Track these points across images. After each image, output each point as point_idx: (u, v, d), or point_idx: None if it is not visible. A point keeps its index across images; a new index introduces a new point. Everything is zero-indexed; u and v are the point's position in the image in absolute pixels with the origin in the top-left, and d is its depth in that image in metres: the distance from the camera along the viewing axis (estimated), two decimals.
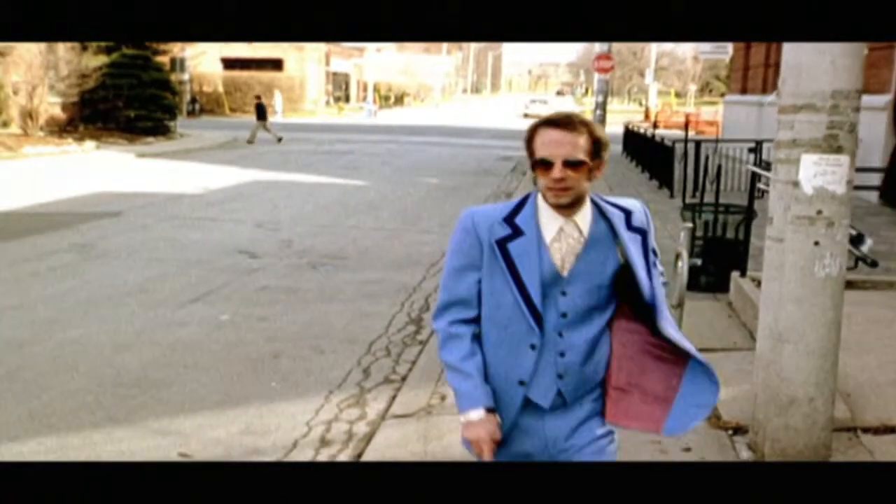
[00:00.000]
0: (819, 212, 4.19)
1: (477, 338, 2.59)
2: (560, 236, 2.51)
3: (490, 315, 2.56)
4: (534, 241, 2.49)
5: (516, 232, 2.51)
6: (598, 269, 2.51)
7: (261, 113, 31.51)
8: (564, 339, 2.53)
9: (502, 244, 2.50)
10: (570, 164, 2.40)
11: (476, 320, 2.59)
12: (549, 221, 2.51)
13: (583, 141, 2.42)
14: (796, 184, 4.21)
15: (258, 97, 33.98)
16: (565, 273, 2.50)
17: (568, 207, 2.48)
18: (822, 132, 4.13)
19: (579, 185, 2.44)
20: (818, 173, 4.15)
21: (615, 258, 2.53)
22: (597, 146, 2.45)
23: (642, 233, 2.56)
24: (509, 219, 2.53)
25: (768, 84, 23.70)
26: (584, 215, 2.52)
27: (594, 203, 2.55)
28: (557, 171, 2.40)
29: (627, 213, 2.57)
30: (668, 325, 2.54)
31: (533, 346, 2.51)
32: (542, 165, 2.44)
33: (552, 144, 2.41)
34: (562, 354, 2.53)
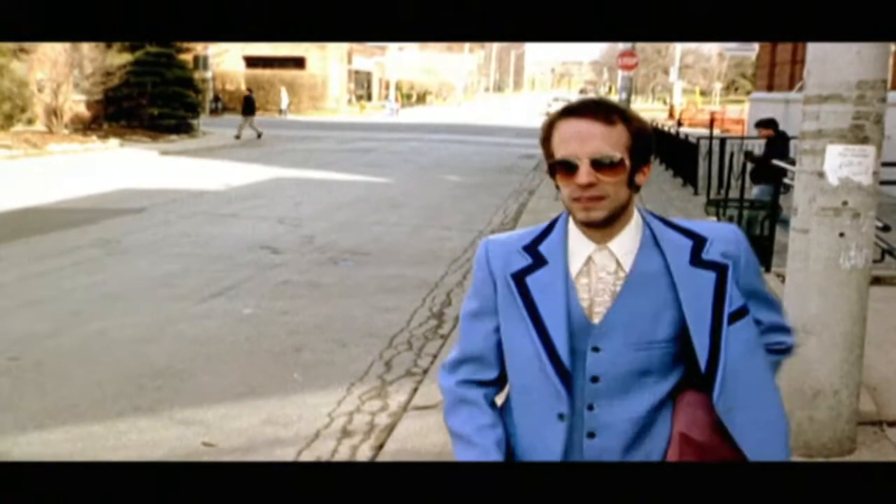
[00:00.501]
0: (844, 203, 4.15)
1: (495, 404, 2.00)
2: (588, 269, 1.86)
3: (509, 372, 1.95)
4: (560, 272, 1.86)
5: (538, 262, 1.89)
6: (646, 320, 1.82)
7: (248, 108, 31.11)
8: (596, 415, 1.84)
9: (520, 277, 1.88)
10: (602, 165, 1.77)
11: (496, 382, 1.99)
12: (578, 248, 1.88)
13: (618, 133, 1.79)
14: (821, 174, 4.18)
15: (249, 90, 33.40)
16: (596, 320, 1.84)
17: (602, 227, 1.83)
18: (848, 122, 4.10)
19: (616, 195, 1.79)
20: (844, 164, 4.12)
21: (677, 305, 1.81)
22: (639, 141, 1.82)
23: (719, 268, 1.82)
24: (531, 246, 1.91)
25: (795, 81, 23.54)
26: (626, 240, 1.85)
27: (647, 225, 1.88)
28: (584, 175, 1.76)
29: (699, 241, 1.85)
30: (740, 417, 1.78)
31: (561, 416, 1.84)
32: (563, 169, 1.80)
33: (576, 139, 1.78)
34: (591, 435, 1.84)
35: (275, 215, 13.30)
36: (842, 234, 4.17)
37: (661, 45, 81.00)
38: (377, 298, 8.25)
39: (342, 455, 4.76)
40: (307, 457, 4.72)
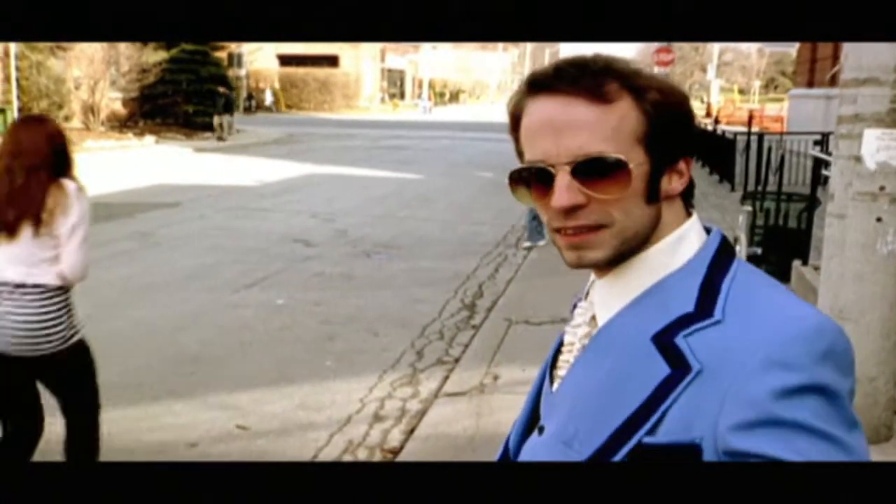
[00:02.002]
0: (882, 188, 4.10)
1: None
2: (576, 321, 1.25)
3: None
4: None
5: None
6: (589, 412, 1.11)
7: (227, 106, 28.85)
8: None
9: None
10: (591, 174, 1.09)
11: None
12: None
13: (620, 115, 1.10)
14: (858, 159, 4.13)
15: (225, 89, 29.77)
16: (553, 388, 1.24)
17: (605, 269, 1.17)
18: (886, 106, 4.05)
19: (626, 219, 1.11)
20: (881, 148, 4.07)
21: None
22: (663, 122, 1.11)
23: (676, 365, 1.03)
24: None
25: (836, 79, 23.20)
26: (623, 280, 1.15)
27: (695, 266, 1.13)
28: (562, 193, 1.09)
29: (699, 311, 1.06)
30: None
31: None
32: (534, 180, 1.14)
33: (548, 131, 1.11)
34: None
35: (308, 210, 13.38)
36: (879, 220, 4.13)
37: (698, 42, 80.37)
38: (409, 290, 8.27)
39: (374, 438, 4.79)
40: (339, 440, 4.75)
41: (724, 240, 1.17)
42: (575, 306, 1.28)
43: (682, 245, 1.14)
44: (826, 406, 0.98)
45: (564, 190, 1.08)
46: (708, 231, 1.18)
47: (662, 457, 1.00)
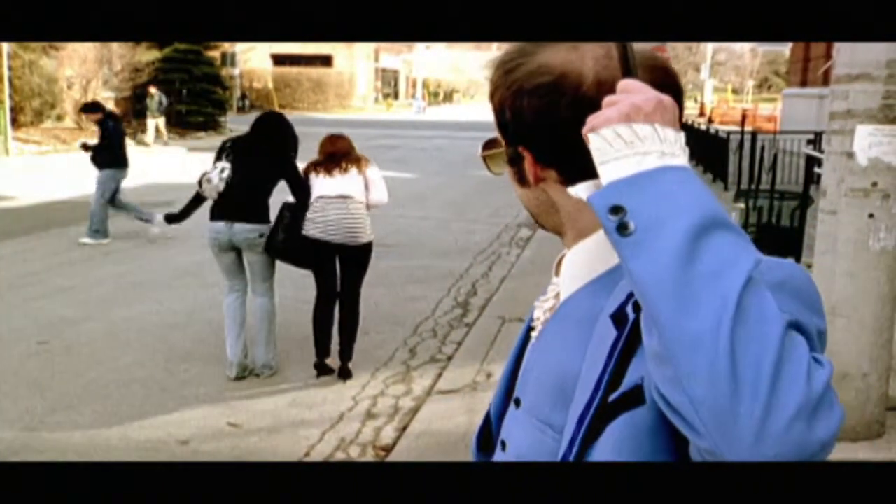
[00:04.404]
0: (874, 184, 4.11)
1: None
2: (546, 296, 1.28)
3: None
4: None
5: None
6: (548, 387, 1.15)
7: (160, 107, 25.32)
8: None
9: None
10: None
11: None
12: None
13: (497, 100, 1.17)
14: (850, 155, 4.13)
15: (152, 84, 25.96)
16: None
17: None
18: (878, 102, 4.05)
19: (527, 202, 1.22)
20: (873, 144, 4.07)
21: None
22: (520, 103, 1.13)
23: (621, 324, 1.04)
24: None
25: (829, 76, 23.24)
26: (592, 263, 1.16)
27: None
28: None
29: None
30: None
31: None
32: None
33: None
34: None
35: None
36: (871, 216, 4.13)
37: (692, 42, 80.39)
38: (403, 288, 8.26)
39: (367, 436, 4.78)
40: (332, 437, 4.75)
41: None
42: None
43: None
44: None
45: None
46: None
47: (619, 408, 1.00)
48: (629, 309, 1.02)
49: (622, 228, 0.89)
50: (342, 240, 5.65)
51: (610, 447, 1.00)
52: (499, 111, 1.15)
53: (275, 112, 6.75)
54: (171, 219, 6.80)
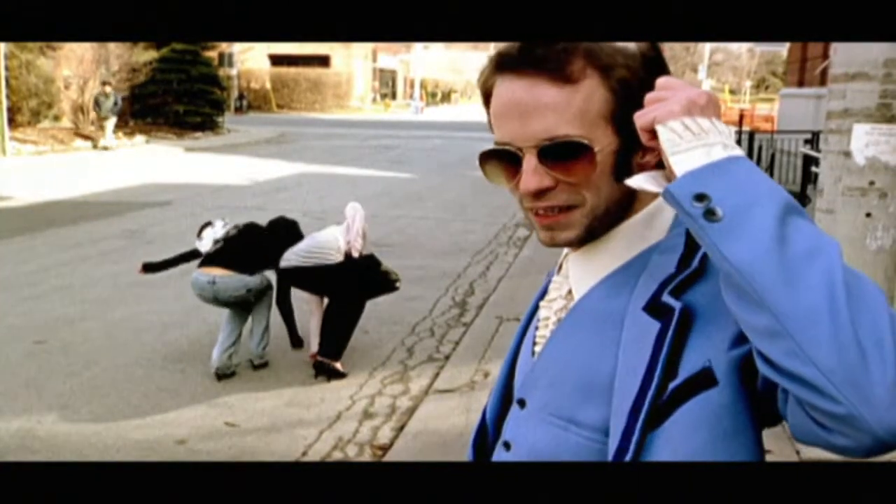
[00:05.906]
0: (871, 182, 4.11)
1: None
2: (551, 295, 1.27)
3: None
4: (536, 299, 1.33)
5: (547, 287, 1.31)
6: (570, 385, 1.13)
7: (114, 107, 23.67)
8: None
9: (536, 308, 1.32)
10: (556, 156, 1.09)
11: None
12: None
13: (585, 94, 1.08)
14: (848, 154, 4.14)
15: (105, 83, 24.09)
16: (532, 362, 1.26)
17: (579, 244, 1.18)
18: (875, 101, 4.05)
19: (597, 199, 1.12)
20: (870, 143, 4.08)
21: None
22: (631, 94, 1.08)
23: (665, 315, 1.06)
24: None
25: (826, 76, 23.24)
26: (599, 254, 1.17)
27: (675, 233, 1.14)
28: (530, 177, 1.10)
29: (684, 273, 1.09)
30: None
31: None
32: (505, 161, 1.14)
33: (514, 113, 1.11)
34: None
35: (298, 208, 13.32)
36: (868, 215, 4.13)
37: (689, 43, 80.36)
38: (401, 288, 8.24)
39: (364, 435, 4.77)
40: (329, 437, 4.74)
41: None
42: (549, 282, 1.29)
43: (658, 217, 1.16)
44: None
45: (531, 173, 1.09)
46: None
47: (687, 393, 1.03)
48: (666, 299, 1.05)
49: (709, 214, 0.94)
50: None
51: (681, 430, 1.03)
52: (618, 90, 1.09)
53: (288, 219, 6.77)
54: (150, 268, 6.53)
